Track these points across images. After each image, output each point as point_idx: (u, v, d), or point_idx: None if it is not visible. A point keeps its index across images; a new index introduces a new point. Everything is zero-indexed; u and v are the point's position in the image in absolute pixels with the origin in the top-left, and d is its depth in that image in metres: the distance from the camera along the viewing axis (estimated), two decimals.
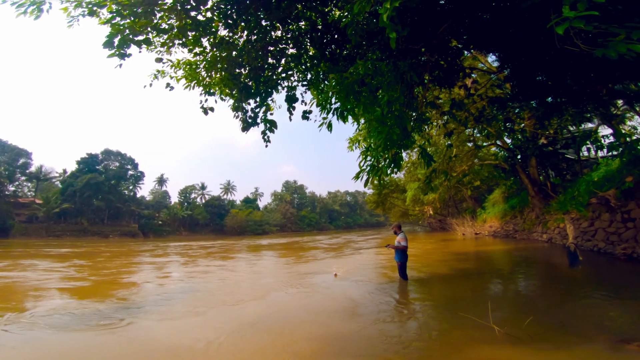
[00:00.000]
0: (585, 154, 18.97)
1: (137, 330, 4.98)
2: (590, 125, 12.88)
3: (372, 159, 5.00)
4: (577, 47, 2.86)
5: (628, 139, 6.93)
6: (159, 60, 8.67)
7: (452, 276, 8.65)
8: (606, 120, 9.00)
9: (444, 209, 36.73)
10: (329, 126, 5.49)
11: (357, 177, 4.97)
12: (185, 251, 23.19)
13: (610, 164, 11.93)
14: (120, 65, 7.09)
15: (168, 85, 9.09)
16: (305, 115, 10.00)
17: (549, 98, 6.37)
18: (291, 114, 10.59)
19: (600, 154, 18.00)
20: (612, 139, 9.51)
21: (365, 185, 5.01)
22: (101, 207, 64.37)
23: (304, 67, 9.99)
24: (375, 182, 5.00)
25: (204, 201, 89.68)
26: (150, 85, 9.14)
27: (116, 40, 5.97)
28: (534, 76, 6.07)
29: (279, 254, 19.57)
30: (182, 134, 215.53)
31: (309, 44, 9.43)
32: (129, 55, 7.32)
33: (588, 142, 11.75)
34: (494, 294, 6.66)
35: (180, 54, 10.07)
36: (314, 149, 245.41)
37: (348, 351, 3.88)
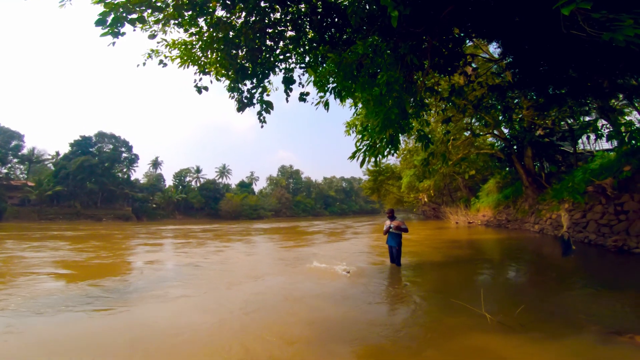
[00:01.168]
0: (581, 147, 19.03)
1: (132, 314, 4.95)
2: (587, 118, 12.83)
3: (369, 139, 4.91)
4: (583, 31, 2.75)
5: (629, 128, 6.88)
6: (152, 36, 8.41)
7: (445, 263, 8.74)
8: (604, 114, 8.94)
9: (438, 198, 36.98)
10: (326, 104, 5.39)
11: (353, 156, 4.89)
12: (179, 235, 23.18)
13: (606, 156, 11.97)
14: (114, 43, 6.86)
15: (161, 62, 8.89)
16: (303, 97, 9.92)
17: (550, 87, 6.27)
18: (288, 95, 10.48)
19: (596, 147, 18.10)
20: (611, 128, 9.47)
21: (362, 165, 4.93)
22: (94, 190, 63.82)
23: (302, 49, 9.82)
24: (372, 162, 4.93)
25: (198, 185, 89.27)
26: (144, 64, 8.93)
27: (109, 19, 5.76)
28: (536, 65, 5.94)
29: (275, 239, 19.63)
30: (178, 118, 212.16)
31: (308, 26, 9.23)
32: (123, 34, 7.09)
33: (588, 131, 11.71)
34: (485, 282, 6.73)
35: (176, 34, 9.74)
36: (311, 134, 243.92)
37: (341, 336, 3.88)
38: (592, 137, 16.61)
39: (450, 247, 12.12)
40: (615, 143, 10.56)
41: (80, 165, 61.74)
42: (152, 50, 8.61)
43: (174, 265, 9.50)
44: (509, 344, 3.43)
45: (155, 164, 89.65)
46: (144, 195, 74.29)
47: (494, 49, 14.15)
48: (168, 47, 8.43)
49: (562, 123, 16.06)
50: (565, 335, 3.54)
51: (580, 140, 17.60)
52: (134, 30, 8.03)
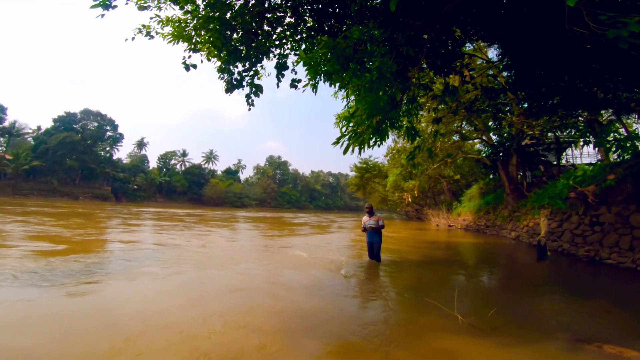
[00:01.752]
0: (564, 161, 19.47)
1: (99, 294, 4.75)
2: (574, 131, 13.08)
3: (355, 125, 4.76)
4: (587, 29, 2.64)
5: (618, 137, 6.99)
6: (142, 7, 8.05)
7: (422, 263, 8.74)
8: (591, 127, 9.06)
9: (422, 199, 37.39)
10: (314, 87, 5.21)
11: (337, 142, 4.72)
12: (163, 218, 22.64)
13: (587, 169, 12.23)
14: (102, 15, 6.45)
15: (148, 33, 8.56)
16: (294, 83, 9.80)
17: (544, 90, 6.25)
18: (279, 80, 10.39)
19: (578, 161, 18.54)
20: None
21: (345, 152, 4.76)
22: (74, 167, 61.72)
23: (299, 37, 9.65)
24: (356, 150, 4.76)
25: (183, 168, 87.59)
26: (133, 39, 8.62)
27: None
28: (533, 68, 5.89)
29: (259, 227, 19.40)
30: (170, 101, 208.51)
31: (308, 14, 9.04)
32: (115, 6, 6.79)
33: (577, 141, 11.89)
34: (460, 283, 6.74)
35: (170, 10, 9.39)
36: (302, 127, 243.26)
37: (309, 329, 3.78)
38: (577, 151, 17.01)
39: (428, 247, 12.19)
40: (598, 156, 10.79)
41: (62, 141, 59.51)
42: (144, 26, 8.25)
43: (153, 247, 9.27)
44: (478, 348, 3.36)
45: (141, 144, 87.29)
46: (125, 175, 72.31)
47: (492, 54, 14.22)
48: (161, 23, 8.08)
49: (550, 134, 16.34)
50: (534, 341, 3.50)
51: (564, 153, 17.97)
52: (127, 3, 7.68)
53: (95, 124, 69.62)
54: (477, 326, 3.87)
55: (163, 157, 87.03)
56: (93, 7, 6.08)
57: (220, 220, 22.84)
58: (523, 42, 5.30)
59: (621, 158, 8.79)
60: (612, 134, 6.50)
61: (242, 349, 3.15)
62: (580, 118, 10.12)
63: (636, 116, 9.89)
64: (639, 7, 2.85)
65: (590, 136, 6.90)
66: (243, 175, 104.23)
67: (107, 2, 6.06)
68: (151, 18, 8.06)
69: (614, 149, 6.50)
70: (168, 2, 8.07)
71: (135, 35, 8.38)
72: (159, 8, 8.10)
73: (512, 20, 5.18)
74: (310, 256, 8.58)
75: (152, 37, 8.51)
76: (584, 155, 19.47)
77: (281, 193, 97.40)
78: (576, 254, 9.67)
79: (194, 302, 4.49)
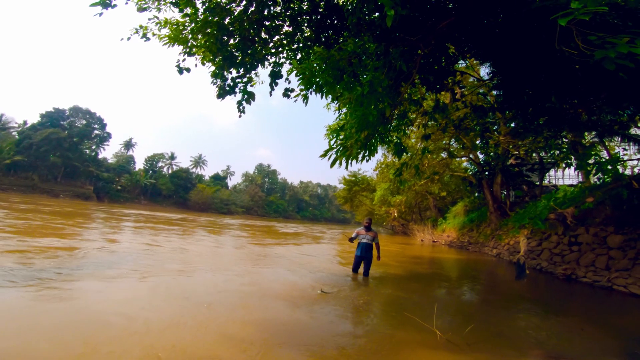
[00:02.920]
0: (546, 181, 19.99)
1: (69, 294, 4.56)
2: (558, 152, 13.51)
3: (344, 139, 4.74)
4: (577, 49, 2.72)
5: (598, 160, 7.23)
6: (142, 9, 8.02)
7: (405, 277, 8.70)
8: (574, 149, 9.37)
9: (408, 215, 37.64)
10: (305, 97, 5.21)
11: (325, 154, 4.68)
12: (139, 220, 22.06)
13: (569, 190, 12.58)
14: (101, 14, 6.38)
15: (144, 35, 8.49)
16: (287, 92, 9.84)
17: (530, 110, 6.42)
18: (272, 89, 10.45)
19: (560, 182, 19.05)
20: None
21: (332, 165, 4.72)
22: (57, 164, 59.96)
23: (296, 46, 9.72)
24: (343, 163, 4.72)
25: (171, 171, 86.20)
26: (129, 39, 8.55)
27: None
28: (522, 88, 6.06)
29: (245, 235, 19.08)
30: (161, 103, 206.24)
31: (306, 24, 9.14)
32: (114, 5, 6.71)
33: (559, 163, 12.23)
34: (440, 299, 6.71)
35: (170, 13, 9.38)
36: (293, 136, 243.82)
37: (282, 339, 3.66)
38: (559, 172, 17.48)
39: (412, 262, 12.18)
40: (580, 178, 11.12)
41: (47, 137, 57.94)
42: (141, 27, 8.20)
43: (131, 250, 8.97)
44: None
45: (128, 145, 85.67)
46: (109, 175, 70.59)
47: (483, 72, 14.63)
48: (158, 25, 8.06)
49: (534, 155, 16.80)
50: (508, 357, 3.48)
51: (547, 174, 18.46)
52: (127, 3, 7.62)
53: (84, 122, 68.18)
54: (454, 342, 3.83)
55: (150, 159, 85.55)
56: (93, 5, 6.05)
57: (209, 226, 22.40)
58: (514, 61, 5.45)
59: (601, 181, 9.09)
60: (593, 157, 6.72)
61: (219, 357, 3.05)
62: (564, 139, 10.44)
63: (619, 139, 10.27)
64: (629, 28, 2.94)
65: (572, 158, 7.12)
66: (231, 182, 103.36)
67: (107, 1, 6.02)
68: (149, 19, 8.01)
69: (594, 171, 6.71)
70: (168, 4, 8.06)
71: (131, 35, 8.28)
72: (159, 10, 8.09)
73: (504, 38, 5.33)
74: (281, 269, 8.29)
75: (148, 38, 8.43)
76: (566, 176, 20.06)
77: (269, 202, 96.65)
78: (554, 272, 9.88)
79: (164, 312, 4.28)
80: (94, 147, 70.78)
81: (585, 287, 8.36)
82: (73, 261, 6.63)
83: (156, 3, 7.94)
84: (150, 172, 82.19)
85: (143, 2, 7.65)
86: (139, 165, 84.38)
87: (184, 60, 9.05)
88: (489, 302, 7.09)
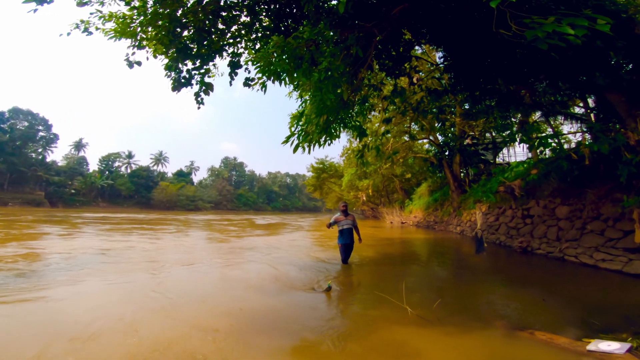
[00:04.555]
0: (500, 159, 21.32)
1: (37, 303, 4.39)
2: (509, 132, 14.42)
3: (305, 124, 4.74)
4: (511, 31, 2.86)
5: (539, 135, 7.72)
6: (81, 3, 7.30)
7: (377, 259, 8.97)
8: (523, 128, 10.03)
9: (377, 198, 38.63)
10: (263, 85, 5.12)
11: (286, 141, 4.68)
12: (94, 223, 20.73)
13: (520, 166, 13.54)
14: (35, 10, 5.93)
15: (86, 29, 7.77)
16: (247, 82, 9.60)
17: (479, 93, 6.75)
18: (232, 79, 10.17)
19: (513, 159, 20.43)
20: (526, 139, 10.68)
21: (295, 151, 4.75)
22: (1, 171, 54.36)
23: (254, 36, 9.45)
24: (304, 148, 4.74)
25: (129, 171, 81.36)
26: (68, 34, 7.80)
27: None
28: (471, 71, 6.32)
29: (207, 230, 18.57)
30: (118, 103, 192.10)
31: (265, 14, 8.89)
32: (50, 1, 6.14)
33: (508, 143, 13.06)
34: (409, 277, 6.98)
35: (116, 6, 8.61)
36: (258, 127, 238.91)
37: (261, 327, 3.73)
38: (510, 149, 18.69)
39: (383, 244, 12.58)
40: (530, 154, 11.99)
41: None
42: (82, 21, 7.49)
43: (90, 252, 8.55)
44: (425, 338, 3.49)
45: (79, 145, 79.31)
46: (61, 179, 65.26)
47: (439, 57, 15.14)
48: (102, 18, 7.43)
49: (487, 135, 17.84)
50: (475, 330, 3.71)
51: (501, 152, 19.67)
52: None
53: (26, 124, 62.30)
54: (425, 317, 4.03)
55: (105, 159, 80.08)
56: (26, 1, 5.49)
57: (166, 225, 21.51)
58: (462, 46, 5.66)
59: (544, 155, 9.84)
60: (535, 133, 7.19)
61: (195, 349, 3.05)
62: (514, 119, 11.12)
63: (562, 118, 11.13)
64: (561, 10, 3.12)
65: (520, 135, 7.62)
66: (196, 178, 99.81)
67: None
68: (91, 13, 7.35)
69: (536, 145, 7.24)
70: None
71: (71, 30, 7.57)
72: (102, 3, 7.42)
73: (454, 24, 5.50)
74: (258, 258, 8.49)
75: (90, 33, 7.72)
76: (518, 154, 21.53)
77: (238, 195, 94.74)
78: (511, 246, 10.52)
79: (138, 308, 4.16)
80: (40, 150, 65.34)
81: (541, 258, 8.83)
82: (32, 268, 6.26)
83: None
84: (107, 172, 77.10)
85: None
86: (94, 166, 78.89)
87: (133, 53, 8.54)
88: (455, 277, 7.50)
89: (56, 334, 3.34)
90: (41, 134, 64.94)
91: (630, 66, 6.09)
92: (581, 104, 10.96)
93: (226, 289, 5.44)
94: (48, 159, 67.57)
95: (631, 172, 6.12)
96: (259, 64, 4.95)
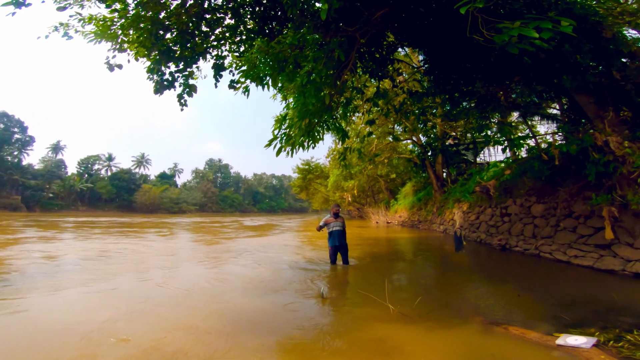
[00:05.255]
0: (480, 159, 21.91)
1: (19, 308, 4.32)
2: (490, 133, 14.85)
3: (288, 127, 4.81)
4: (482, 36, 3.01)
5: (511, 136, 7.98)
6: (61, 8, 7.15)
7: (362, 258, 9.09)
8: (501, 129, 10.40)
9: (362, 198, 38.97)
10: (246, 89, 5.16)
11: (269, 144, 4.74)
12: (74, 227, 20.12)
13: (498, 165, 14.01)
14: (14, 13, 5.81)
15: (66, 33, 7.61)
16: (232, 84, 9.58)
17: (457, 96, 6.98)
18: (217, 81, 10.16)
19: (492, 159, 21.08)
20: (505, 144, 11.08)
21: (278, 154, 4.81)
22: None
23: (239, 38, 9.49)
24: (288, 151, 4.81)
25: (110, 174, 79.09)
26: (46, 37, 7.66)
27: None
28: (449, 74, 6.53)
29: (194, 233, 18.32)
30: (100, 106, 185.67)
31: (249, 16, 8.93)
32: (28, 4, 6.03)
33: (488, 144, 13.49)
34: (392, 275, 7.14)
35: (96, 9, 8.40)
36: (243, 130, 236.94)
37: (247, 327, 3.79)
38: (491, 149, 19.23)
39: (369, 244, 12.74)
40: (508, 154, 12.42)
41: None
42: (61, 24, 7.38)
43: (71, 257, 8.46)
44: (407, 334, 3.61)
45: (56, 148, 76.47)
46: (38, 182, 62.92)
47: (420, 61, 15.44)
48: (82, 21, 7.34)
49: (468, 135, 18.30)
50: (454, 325, 3.85)
51: (481, 152, 20.22)
52: (43, 1, 6.83)
53: (1, 126, 59.87)
54: (406, 314, 4.15)
55: (84, 162, 77.62)
56: (4, 4, 5.38)
57: (147, 228, 21.09)
58: (441, 49, 5.84)
59: (518, 155, 10.21)
60: (510, 134, 7.46)
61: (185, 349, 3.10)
62: (493, 120, 11.49)
63: (538, 118, 11.52)
64: (532, 13, 3.28)
65: (497, 136, 7.92)
66: (180, 180, 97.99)
67: (20, 0, 5.38)
68: (71, 16, 7.25)
69: (508, 146, 7.55)
70: (93, 1, 7.30)
71: (50, 33, 7.43)
72: (81, 6, 7.29)
73: (433, 28, 5.68)
74: (242, 259, 8.56)
75: (70, 36, 7.56)
76: (498, 154, 22.16)
77: (223, 197, 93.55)
78: (491, 244, 10.83)
79: (124, 312, 4.09)
80: (16, 153, 62.99)
81: (518, 255, 9.11)
82: (11, 273, 6.10)
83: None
84: (86, 175, 74.76)
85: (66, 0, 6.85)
86: (72, 169, 76.30)
87: (114, 56, 8.44)
88: (436, 275, 7.71)
89: (44, 340, 3.32)
90: (17, 136, 62.73)
91: (600, 68, 6.41)
92: (557, 106, 11.43)
93: (209, 290, 5.48)
94: (24, 162, 65.22)
95: (599, 171, 6.44)
96: (242, 69, 4.98)
